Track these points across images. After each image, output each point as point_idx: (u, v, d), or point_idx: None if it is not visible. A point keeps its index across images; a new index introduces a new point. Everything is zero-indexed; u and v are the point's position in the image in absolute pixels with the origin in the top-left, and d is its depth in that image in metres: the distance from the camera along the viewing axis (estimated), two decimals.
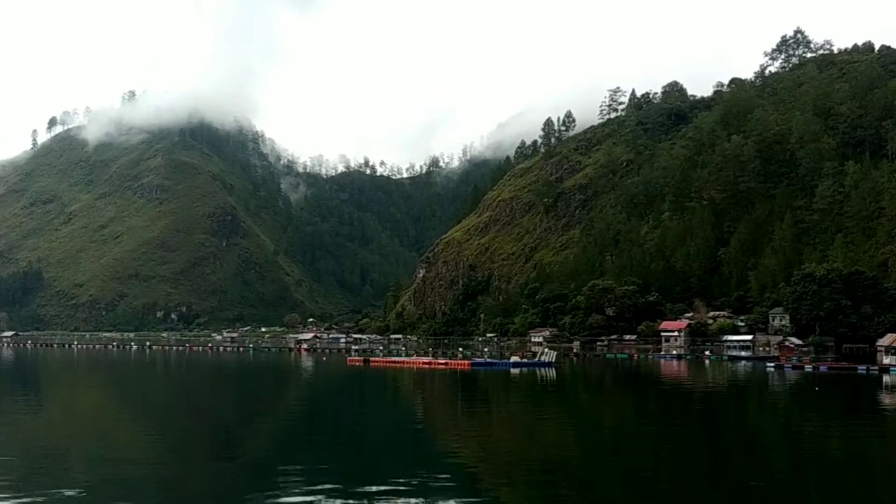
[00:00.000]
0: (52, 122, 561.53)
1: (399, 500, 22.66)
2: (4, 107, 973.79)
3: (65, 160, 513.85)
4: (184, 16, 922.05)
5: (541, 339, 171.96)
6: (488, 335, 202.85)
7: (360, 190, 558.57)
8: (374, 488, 24.05)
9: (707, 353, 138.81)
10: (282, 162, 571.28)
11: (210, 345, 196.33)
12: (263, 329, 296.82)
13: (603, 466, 29.79)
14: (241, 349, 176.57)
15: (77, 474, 26.37)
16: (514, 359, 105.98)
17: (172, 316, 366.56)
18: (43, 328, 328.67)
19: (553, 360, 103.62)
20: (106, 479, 25.67)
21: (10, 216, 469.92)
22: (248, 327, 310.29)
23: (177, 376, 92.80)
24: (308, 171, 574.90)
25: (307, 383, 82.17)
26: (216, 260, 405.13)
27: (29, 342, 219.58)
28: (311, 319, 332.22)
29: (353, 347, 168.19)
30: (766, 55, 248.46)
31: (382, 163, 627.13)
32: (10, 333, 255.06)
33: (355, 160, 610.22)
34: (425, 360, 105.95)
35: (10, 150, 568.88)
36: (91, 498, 22.76)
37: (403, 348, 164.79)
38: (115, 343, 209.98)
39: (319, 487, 23.98)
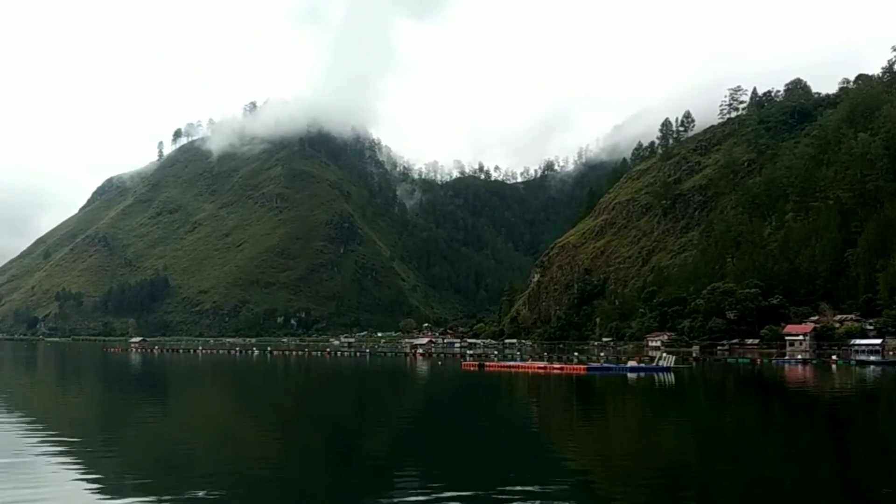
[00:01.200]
0: (178, 134, 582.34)
1: None
2: (133, 120, 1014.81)
3: (189, 171, 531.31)
4: (303, 28, 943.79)
5: (658, 344, 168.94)
6: (604, 339, 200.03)
7: (474, 195, 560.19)
8: (489, 493, 23.71)
9: (834, 357, 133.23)
10: (398, 169, 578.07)
11: (328, 350, 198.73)
12: (380, 334, 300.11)
13: (724, 473, 28.60)
14: (357, 354, 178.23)
15: (204, 475, 26.86)
16: (632, 363, 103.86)
17: (292, 321, 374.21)
18: (169, 334, 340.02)
19: (672, 364, 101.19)
20: (231, 479, 26.11)
21: (137, 226, 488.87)
22: (365, 332, 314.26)
23: (296, 380, 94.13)
24: (423, 177, 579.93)
25: (423, 388, 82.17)
26: (334, 266, 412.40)
27: (156, 347, 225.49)
28: (426, 324, 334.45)
29: (468, 352, 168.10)
30: (894, 50, 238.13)
31: (497, 167, 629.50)
32: (137, 339, 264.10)
33: (470, 166, 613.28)
34: (540, 364, 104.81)
35: (139, 162, 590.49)
36: (219, 498, 23.15)
37: (518, 353, 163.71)
38: (237, 348, 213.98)
39: (435, 492, 23.76)
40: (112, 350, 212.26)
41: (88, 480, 24.93)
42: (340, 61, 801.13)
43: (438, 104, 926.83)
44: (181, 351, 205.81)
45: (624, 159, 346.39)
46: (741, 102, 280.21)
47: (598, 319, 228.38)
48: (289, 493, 25.16)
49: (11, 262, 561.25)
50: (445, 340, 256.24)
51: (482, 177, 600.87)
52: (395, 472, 27.83)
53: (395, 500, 22.91)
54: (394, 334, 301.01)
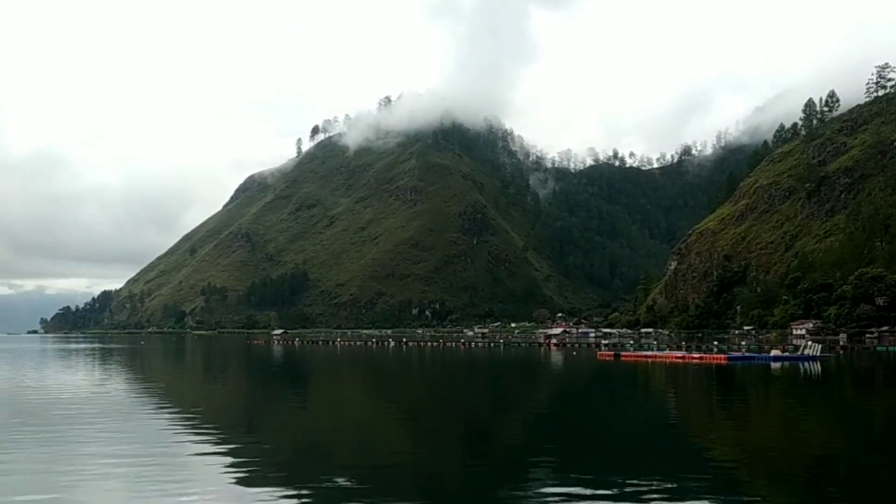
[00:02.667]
0: (315, 131, 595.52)
1: (654, 498, 21.55)
2: (274, 118, 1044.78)
3: (327, 166, 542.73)
4: (437, 21, 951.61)
5: (803, 332, 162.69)
6: (745, 328, 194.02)
7: (608, 182, 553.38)
8: (626, 485, 23.03)
9: None
10: (530, 158, 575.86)
11: (462, 340, 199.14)
12: (513, 324, 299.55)
13: (874, 466, 26.96)
14: (491, 345, 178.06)
15: (343, 464, 27.10)
16: (775, 352, 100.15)
17: (427, 313, 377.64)
18: (308, 326, 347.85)
19: (818, 353, 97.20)
20: (369, 469, 26.20)
21: (278, 221, 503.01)
22: (498, 323, 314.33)
23: (431, 370, 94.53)
24: (556, 166, 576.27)
25: (557, 378, 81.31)
26: (467, 257, 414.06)
27: (296, 339, 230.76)
28: (559, 314, 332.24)
29: (603, 342, 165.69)
30: None
31: (632, 154, 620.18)
32: (279, 331, 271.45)
33: (604, 153, 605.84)
34: (678, 354, 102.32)
35: (279, 159, 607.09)
36: (357, 487, 23.27)
37: (655, 342, 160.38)
38: (374, 340, 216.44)
39: (569, 484, 23.22)
40: (255, 342, 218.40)
41: (231, 466, 25.65)
42: (473, 52, 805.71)
43: (572, 92, 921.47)
44: (320, 342, 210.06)
45: (765, 142, 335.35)
46: (889, 80, 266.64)
47: (738, 307, 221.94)
48: (425, 482, 25.06)
49: (160, 258, 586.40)
50: (580, 330, 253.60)
51: (616, 164, 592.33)
52: (530, 463, 27.35)
53: (530, 491, 22.50)
54: (527, 325, 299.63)
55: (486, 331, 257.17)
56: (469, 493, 24.16)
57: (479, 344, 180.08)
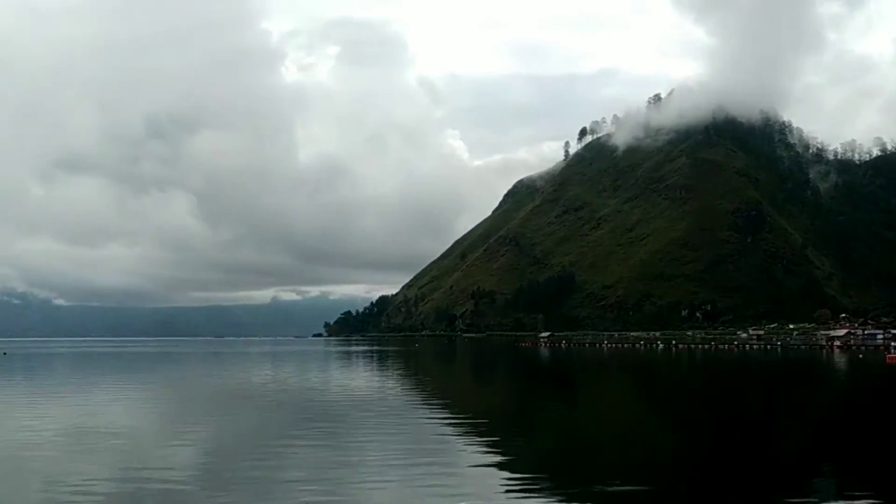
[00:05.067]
0: (583, 133, 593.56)
1: None
2: (543, 123, 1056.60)
3: (594, 168, 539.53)
4: (707, 14, 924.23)
5: None
6: None
7: None
8: None
9: None
10: (810, 151, 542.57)
11: (735, 342, 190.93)
12: (791, 325, 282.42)
13: None
14: (767, 347, 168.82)
15: (611, 466, 26.61)
16: None
17: (697, 314, 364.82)
18: (575, 328, 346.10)
19: None
20: (641, 472, 25.20)
21: (545, 225, 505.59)
22: (775, 324, 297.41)
23: (702, 373, 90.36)
24: (839, 157, 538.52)
25: (840, 382, 74.64)
26: (740, 256, 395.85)
27: (563, 341, 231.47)
28: (843, 315, 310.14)
29: (892, 344, 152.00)
30: None
31: None
32: (546, 334, 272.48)
33: (892, 142, 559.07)
34: None
35: (547, 163, 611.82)
36: (630, 490, 22.35)
37: None
38: (641, 342, 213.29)
39: (856, 497, 20.87)
40: (523, 344, 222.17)
41: (501, 465, 25.71)
42: (748, 44, 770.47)
43: (857, 80, 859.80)
44: (587, 344, 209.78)
45: None
46: None
47: None
48: (696, 485, 23.87)
49: (432, 263, 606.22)
50: (866, 332, 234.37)
51: None
52: (808, 474, 25.37)
53: (812, 501, 21.07)
54: (807, 326, 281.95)
55: (761, 332, 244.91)
56: (745, 499, 22.10)
57: (754, 346, 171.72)
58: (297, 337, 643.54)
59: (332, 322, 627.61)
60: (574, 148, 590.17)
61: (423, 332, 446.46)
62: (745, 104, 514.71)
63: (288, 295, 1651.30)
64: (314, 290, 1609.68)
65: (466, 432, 33.59)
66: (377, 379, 77.08)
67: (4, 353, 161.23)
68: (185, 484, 22.61)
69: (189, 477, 23.76)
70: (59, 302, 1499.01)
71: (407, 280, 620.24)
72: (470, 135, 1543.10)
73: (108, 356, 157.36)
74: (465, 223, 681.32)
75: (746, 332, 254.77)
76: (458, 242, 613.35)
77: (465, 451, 28.99)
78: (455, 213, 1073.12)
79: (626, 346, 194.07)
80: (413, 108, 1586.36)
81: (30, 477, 23.94)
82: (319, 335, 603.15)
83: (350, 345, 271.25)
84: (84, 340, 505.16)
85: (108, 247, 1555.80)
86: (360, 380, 74.89)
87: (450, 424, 36.44)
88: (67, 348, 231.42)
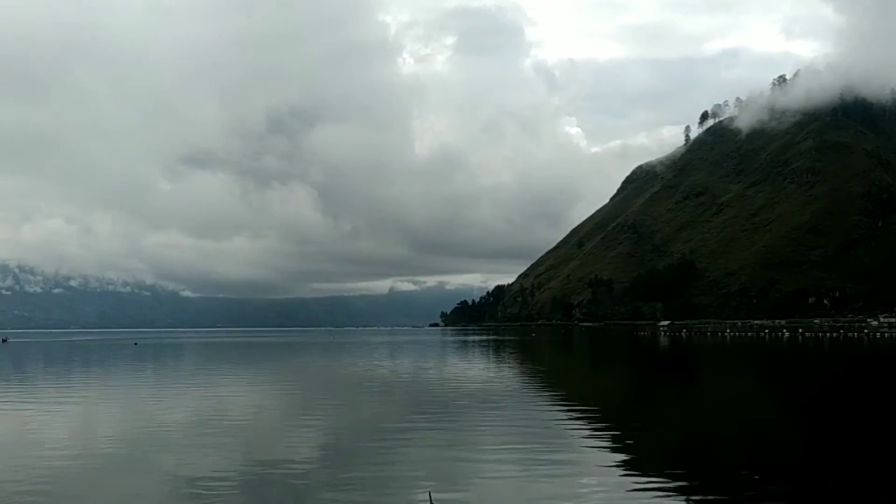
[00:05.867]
0: (704, 117, 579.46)
1: None
2: (663, 107, 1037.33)
3: (716, 152, 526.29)
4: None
5: None
6: None
7: None
8: None
9: None
10: None
11: (865, 331, 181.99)
12: None
13: None
14: None
15: (732, 461, 25.07)
16: None
17: (824, 301, 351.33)
18: (695, 317, 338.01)
19: None
20: (765, 467, 23.51)
21: (665, 211, 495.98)
22: None
23: (833, 363, 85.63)
24: None
25: None
26: (871, 241, 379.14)
27: (683, 330, 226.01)
28: None
29: None
30: None
31: None
32: (665, 322, 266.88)
33: None
34: None
35: (667, 148, 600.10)
36: (755, 482, 21.37)
37: None
38: (766, 330, 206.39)
39: None
40: (641, 333, 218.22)
41: (619, 458, 25.14)
42: (879, 21, 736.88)
43: None
44: (708, 333, 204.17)
45: None
46: None
47: None
48: (828, 485, 21.59)
49: (548, 252, 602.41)
50: None
51: None
52: None
53: None
54: None
55: (893, 320, 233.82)
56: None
57: (885, 334, 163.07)
58: (413, 327, 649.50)
59: (448, 312, 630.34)
60: (695, 132, 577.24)
61: (540, 322, 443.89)
62: (876, 84, 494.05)
63: (405, 285, 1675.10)
64: (430, 281, 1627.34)
65: (585, 424, 32.82)
66: (494, 368, 76.18)
67: (136, 344, 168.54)
68: (305, 476, 22.61)
69: (310, 466, 24.16)
70: (186, 294, 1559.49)
71: (523, 269, 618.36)
72: (587, 121, 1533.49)
73: (232, 346, 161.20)
74: (582, 211, 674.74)
75: (877, 319, 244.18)
76: (574, 231, 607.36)
77: (581, 440, 28.61)
78: (571, 201, 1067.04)
79: (749, 334, 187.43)
80: (530, 95, 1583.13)
81: (158, 465, 24.47)
82: (436, 325, 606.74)
83: (466, 334, 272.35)
84: (209, 331, 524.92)
85: (232, 240, 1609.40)
86: (477, 369, 73.96)
87: (568, 416, 35.67)
88: (194, 339, 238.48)
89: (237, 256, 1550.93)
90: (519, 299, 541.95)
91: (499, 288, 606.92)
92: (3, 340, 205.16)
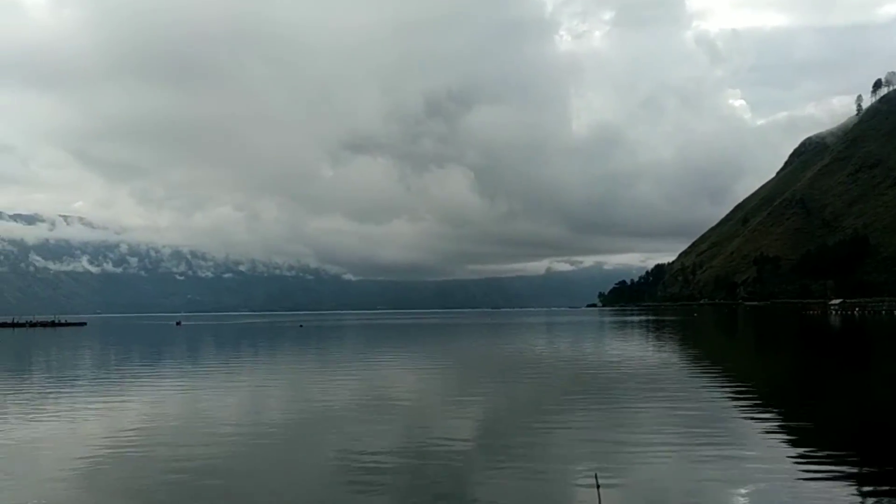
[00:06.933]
0: (878, 85, 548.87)
1: None
2: (834, 76, 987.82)
3: (891, 122, 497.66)
4: None
5: None
6: None
7: None
8: None
9: None
10: None
11: None
12: None
13: None
14: None
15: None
16: None
17: None
18: (869, 295, 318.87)
19: None
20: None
21: (835, 184, 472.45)
22: None
23: None
24: None
25: None
26: None
27: (856, 309, 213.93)
28: None
29: None
30: None
31: None
32: (837, 301, 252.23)
33: None
34: None
35: (837, 119, 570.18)
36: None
37: None
38: None
39: None
40: (810, 312, 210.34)
41: (785, 440, 24.20)
42: None
43: None
44: (883, 312, 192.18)
45: None
46: None
47: None
48: None
49: (711, 229, 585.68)
50: None
51: None
52: None
53: None
54: None
55: None
56: None
57: None
58: (570, 307, 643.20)
59: (606, 292, 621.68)
60: (867, 101, 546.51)
61: (702, 301, 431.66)
62: None
63: (562, 266, 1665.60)
64: (588, 261, 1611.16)
65: (750, 408, 31.37)
66: (654, 349, 73.46)
67: (301, 326, 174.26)
68: (466, 455, 22.61)
69: (470, 445, 24.27)
70: (348, 277, 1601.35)
71: (684, 247, 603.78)
72: (752, 93, 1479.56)
73: (392, 328, 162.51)
74: (747, 186, 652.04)
75: None
76: (738, 207, 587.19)
77: (748, 427, 27.01)
78: (735, 176, 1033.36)
79: None
80: (691, 68, 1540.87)
81: (325, 442, 25.20)
82: (593, 305, 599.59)
83: (625, 314, 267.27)
84: (370, 313, 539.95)
85: (392, 223, 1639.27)
86: (636, 350, 71.67)
87: (732, 399, 34.14)
88: (356, 321, 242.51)
89: (396, 240, 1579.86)
90: (680, 278, 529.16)
91: (658, 267, 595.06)
92: (177, 323, 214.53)
